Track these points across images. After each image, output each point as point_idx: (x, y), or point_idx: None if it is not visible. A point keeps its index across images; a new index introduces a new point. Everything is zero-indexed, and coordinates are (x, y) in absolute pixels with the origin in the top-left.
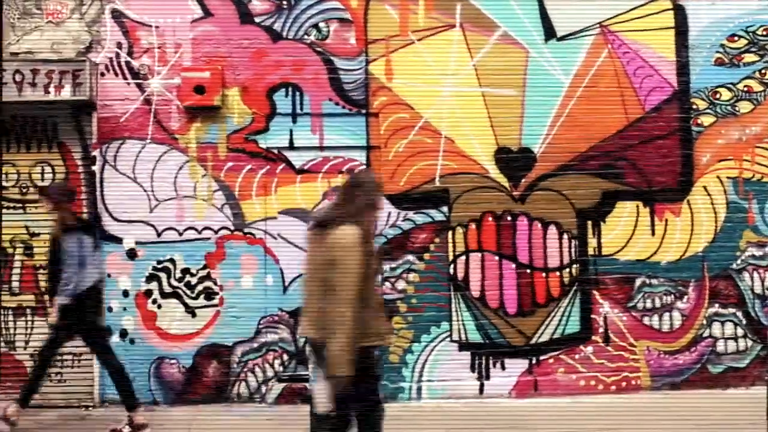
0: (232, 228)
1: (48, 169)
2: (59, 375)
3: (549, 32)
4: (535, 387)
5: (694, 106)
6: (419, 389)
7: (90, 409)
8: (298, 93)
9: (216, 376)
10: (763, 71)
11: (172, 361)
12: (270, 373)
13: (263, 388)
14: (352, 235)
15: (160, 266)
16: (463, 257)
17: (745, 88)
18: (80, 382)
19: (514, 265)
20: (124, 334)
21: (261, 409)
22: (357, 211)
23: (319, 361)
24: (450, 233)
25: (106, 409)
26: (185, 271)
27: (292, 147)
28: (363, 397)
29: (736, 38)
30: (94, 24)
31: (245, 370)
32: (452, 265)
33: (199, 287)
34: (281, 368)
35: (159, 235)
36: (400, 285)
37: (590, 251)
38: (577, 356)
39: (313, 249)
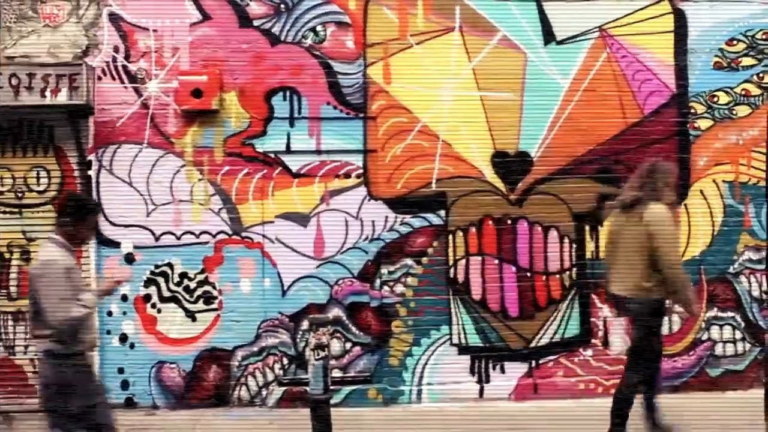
0: (230, 232)
1: (44, 173)
2: None
3: (548, 36)
4: (534, 390)
5: (692, 110)
6: (419, 392)
7: None
8: (295, 96)
9: (217, 380)
10: (761, 75)
11: (173, 365)
12: (270, 376)
13: (264, 392)
14: (665, 210)
15: (158, 270)
16: (461, 261)
17: (743, 92)
18: None
19: (513, 269)
20: (123, 338)
21: (262, 413)
22: (657, 191)
23: (619, 313)
24: (447, 237)
25: None
26: (183, 275)
27: (289, 151)
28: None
29: (735, 42)
30: (92, 27)
31: (246, 374)
32: (450, 269)
33: (198, 291)
34: (281, 372)
35: (157, 239)
36: (399, 289)
37: (588, 255)
38: (576, 359)
39: (620, 225)
